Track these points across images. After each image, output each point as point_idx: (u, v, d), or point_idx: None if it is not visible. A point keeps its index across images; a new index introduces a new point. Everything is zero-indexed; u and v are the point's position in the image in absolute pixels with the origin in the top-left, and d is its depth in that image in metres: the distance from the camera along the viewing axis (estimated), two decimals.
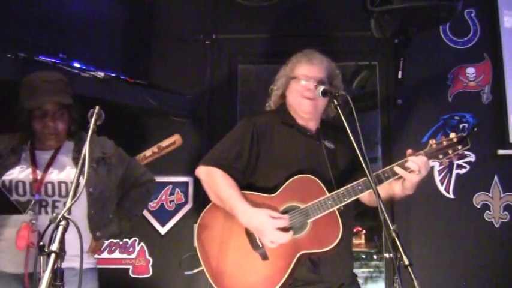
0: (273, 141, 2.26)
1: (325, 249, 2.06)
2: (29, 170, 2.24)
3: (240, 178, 2.21)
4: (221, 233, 2.17)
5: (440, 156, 2.09)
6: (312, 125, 2.32)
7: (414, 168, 2.05)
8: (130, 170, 2.53)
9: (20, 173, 2.23)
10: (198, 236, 2.20)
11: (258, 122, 2.28)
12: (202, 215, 2.24)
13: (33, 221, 2.12)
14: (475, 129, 2.15)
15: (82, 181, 2.09)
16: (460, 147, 2.08)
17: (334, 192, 2.09)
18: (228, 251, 2.13)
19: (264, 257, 2.09)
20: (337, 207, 2.09)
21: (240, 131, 2.30)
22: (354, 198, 2.09)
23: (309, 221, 2.10)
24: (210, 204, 2.24)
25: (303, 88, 2.25)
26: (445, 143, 2.09)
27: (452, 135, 2.10)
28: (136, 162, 2.72)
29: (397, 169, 2.08)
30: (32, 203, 2.18)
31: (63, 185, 2.23)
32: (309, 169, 2.17)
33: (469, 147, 2.09)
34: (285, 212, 2.12)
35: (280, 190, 2.15)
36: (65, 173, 2.26)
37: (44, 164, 2.28)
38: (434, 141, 2.10)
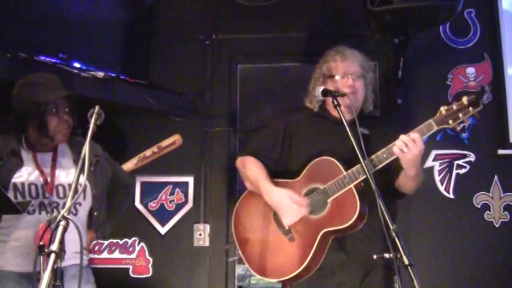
0: (305, 135, 2.38)
1: (345, 225, 2.12)
2: (37, 172, 2.26)
3: (271, 167, 2.37)
4: (253, 220, 2.34)
5: (450, 122, 2.05)
6: (348, 116, 2.26)
7: (400, 147, 2.06)
8: (116, 173, 2.64)
9: (30, 175, 2.25)
10: (234, 224, 2.41)
11: (290, 118, 2.44)
12: (237, 204, 2.43)
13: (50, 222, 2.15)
14: (487, 89, 2.10)
15: (86, 182, 2.20)
16: (471, 109, 2.03)
17: (350, 170, 2.15)
18: (259, 236, 2.30)
19: (291, 238, 2.22)
20: (354, 184, 2.13)
21: (273, 126, 2.48)
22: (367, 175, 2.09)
23: (328, 200, 2.18)
24: (244, 193, 2.42)
25: (342, 85, 2.33)
26: (454, 107, 2.05)
27: (464, 98, 2.04)
28: (120, 166, 2.83)
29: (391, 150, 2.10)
30: (37, 204, 2.21)
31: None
32: (330, 151, 2.24)
33: (481, 109, 2.03)
34: (307, 194, 2.23)
35: (302, 174, 2.27)
36: (72, 175, 2.30)
37: (48, 166, 2.30)
38: (444, 108, 2.07)
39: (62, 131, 2.30)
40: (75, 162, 2.34)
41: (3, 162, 2.22)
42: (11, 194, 2.17)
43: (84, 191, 2.29)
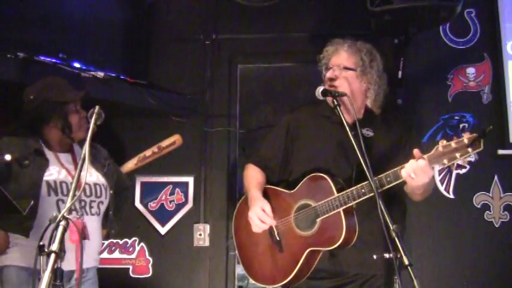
0: (306, 137, 2.38)
1: (329, 248, 2.13)
2: (64, 171, 2.33)
3: (274, 175, 2.43)
4: (248, 224, 2.33)
5: (445, 161, 1.87)
6: (347, 117, 2.20)
7: (408, 173, 1.96)
8: (119, 175, 2.73)
9: (59, 174, 2.31)
10: (234, 224, 2.49)
11: (292, 119, 2.44)
12: (237, 205, 2.49)
13: (80, 219, 2.26)
14: (490, 129, 1.88)
15: (105, 181, 2.41)
16: (470, 149, 1.84)
17: (340, 194, 2.13)
18: (253, 240, 2.34)
19: (280, 249, 2.26)
20: (343, 208, 2.11)
21: (277, 130, 2.49)
22: (358, 200, 2.09)
23: (318, 220, 2.17)
24: (243, 196, 2.46)
25: (327, 78, 2.33)
26: (453, 145, 1.87)
27: (466, 135, 1.86)
28: (120, 169, 2.92)
29: (400, 173, 2.01)
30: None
31: (97, 187, 2.39)
32: (327, 165, 2.24)
33: (481, 150, 1.84)
34: (299, 209, 2.24)
35: (297, 187, 2.28)
36: (95, 175, 2.42)
37: (71, 166, 2.37)
38: (444, 143, 1.90)
39: (83, 126, 2.39)
40: (92, 163, 2.42)
41: (29, 161, 2.26)
42: (44, 191, 2.23)
43: (106, 190, 2.42)
